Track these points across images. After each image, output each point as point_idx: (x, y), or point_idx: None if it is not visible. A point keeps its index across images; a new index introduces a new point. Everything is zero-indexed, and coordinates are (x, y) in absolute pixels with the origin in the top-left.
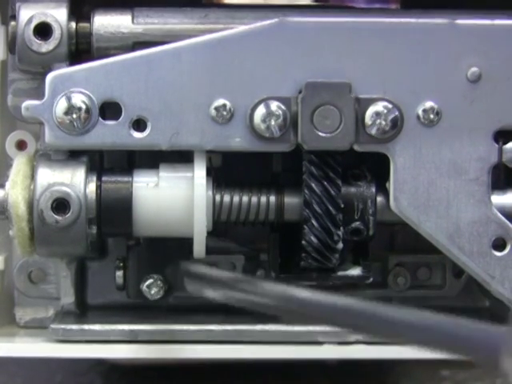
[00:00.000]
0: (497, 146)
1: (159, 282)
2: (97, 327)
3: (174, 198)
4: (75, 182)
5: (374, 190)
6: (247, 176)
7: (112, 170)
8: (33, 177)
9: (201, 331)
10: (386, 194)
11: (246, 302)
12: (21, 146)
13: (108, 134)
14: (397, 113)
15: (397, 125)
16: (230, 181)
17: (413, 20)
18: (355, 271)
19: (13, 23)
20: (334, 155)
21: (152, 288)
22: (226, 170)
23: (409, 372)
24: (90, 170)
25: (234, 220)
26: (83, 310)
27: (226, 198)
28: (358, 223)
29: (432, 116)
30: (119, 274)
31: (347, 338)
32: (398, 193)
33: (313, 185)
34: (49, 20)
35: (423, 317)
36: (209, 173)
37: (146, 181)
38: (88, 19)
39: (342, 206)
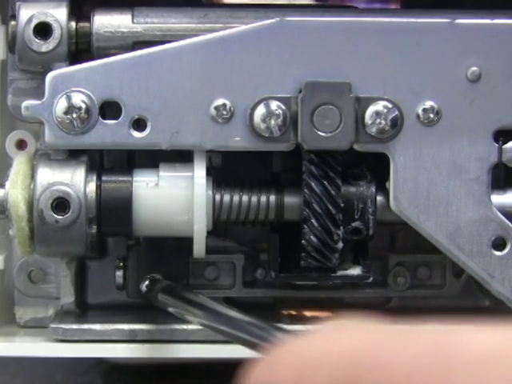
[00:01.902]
0: (497, 145)
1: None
2: (97, 327)
3: (173, 197)
4: (75, 181)
5: (373, 189)
6: (247, 176)
7: (112, 169)
8: (33, 176)
9: (200, 331)
10: (385, 193)
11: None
12: (21, 145)
13: (108, 134)
14: (397, 112)
15: (397, 124)
16: (229, 180)
17: (413, 20)
18: (355, 271)
19: (13, 23)
20: (333, 155)
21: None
22: (226, 169)
23: None
24: (90, 169)
25: (233, 220)
26: (83, 310)
27: (226, 198)
28: (357, 223)
29: (432, 116)
30: (119, 273)
31: None
32: (398, 192)
33: (313, 184)
34: (49, 20)
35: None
36: (209, 172)
37: (145, 180)
38: (88, 19)
39: (342, 205)
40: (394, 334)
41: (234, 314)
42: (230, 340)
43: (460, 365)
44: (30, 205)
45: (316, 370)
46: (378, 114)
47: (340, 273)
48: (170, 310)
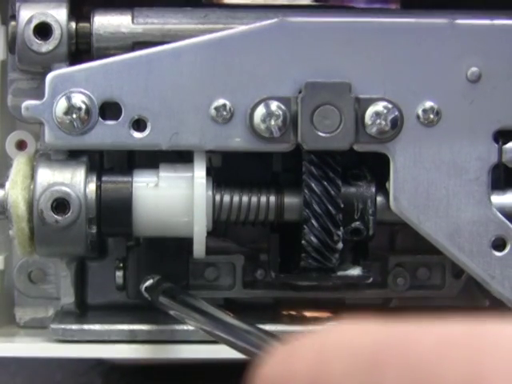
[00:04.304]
0: (497, 145)
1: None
2: (97, 327)
3: (173, 197)
4: (75, 182)
5: (373, 190)
6: (247, 176)
7: (112, 170)
8: (33, 177)
9: (201, 331)
10: (386, 194)
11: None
12: (21, 146)
13: (108, 134)
14: (397, 113)
15: (397, 125)
16: (230, 181)
17: (413, 20)
18: (355, 271)
19: (13, 23)
20: (333, 155)
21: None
22: (226, 170)
23: None
24: (90, 170)
25: (233, 220)
26: (83, 310)
27: (226, 198)
28: (357, 223)
29: (432, 116)
30: (119, 274)
31: None
32: (398, 193)
33: (313, 185)
34: (49, 20)
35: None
36: (209, 173)
37: (145, 181)
38: (88, 19)
39: (342, 206)
40: (414, 325)
41: (233, 321)
42: (228, 346)
43: (490, 348)
44: (30, 205)
45: (337, 359)
46: (377, 114)
47: (340, 273)
48: (171, 312)
